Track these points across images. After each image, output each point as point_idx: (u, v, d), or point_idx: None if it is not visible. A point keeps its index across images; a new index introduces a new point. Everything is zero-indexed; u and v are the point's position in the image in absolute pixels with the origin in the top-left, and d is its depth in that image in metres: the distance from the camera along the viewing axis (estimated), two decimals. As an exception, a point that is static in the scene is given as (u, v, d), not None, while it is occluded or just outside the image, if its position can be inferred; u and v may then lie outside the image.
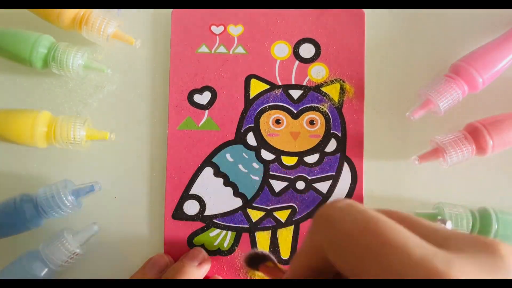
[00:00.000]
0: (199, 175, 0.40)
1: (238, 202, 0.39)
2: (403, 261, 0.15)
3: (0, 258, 0.38)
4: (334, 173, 0.39)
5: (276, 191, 0.39)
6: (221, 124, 0.40)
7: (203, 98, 0.40)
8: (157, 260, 0.37)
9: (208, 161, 0.40)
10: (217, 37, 0.41)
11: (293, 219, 0.39)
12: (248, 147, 0.40)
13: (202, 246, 0.39)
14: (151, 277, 0.35)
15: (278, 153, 0.40)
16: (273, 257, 0.30)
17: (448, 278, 0.15)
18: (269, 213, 0.39)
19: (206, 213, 0.39)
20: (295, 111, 0.40)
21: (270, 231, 0.39)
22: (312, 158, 0.40)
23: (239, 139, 0.40)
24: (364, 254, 0.16)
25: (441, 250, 0.16)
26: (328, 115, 0.40)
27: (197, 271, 0.36)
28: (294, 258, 0.21)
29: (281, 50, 0.40)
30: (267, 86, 0.40)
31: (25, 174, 0.40)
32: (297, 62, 0.40)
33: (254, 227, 0.39)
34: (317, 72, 0.40)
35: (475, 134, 0.36)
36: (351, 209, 0.18)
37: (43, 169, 0.40)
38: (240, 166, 0.40)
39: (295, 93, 0.40)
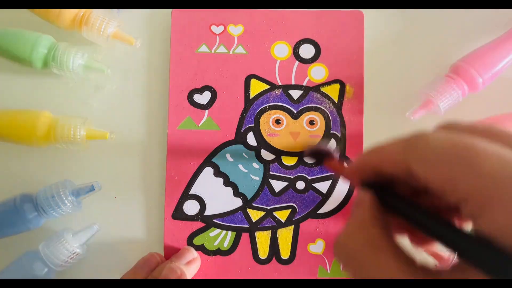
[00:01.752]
0: (199, 175, 0.40)
1: (238, 202, 0.39)
2: (501, 167, 0.15)
3: (0, 258, 0.38)
4: (333, 173, 0.39)
5: (276, 191, 0.39)
6: (221, 124, 0.40)
7: (203, 98, 0.40)
8: (148, 259, 0.37)
9: (208, 161, 0.40)
10: (217, 37, 0.41)
11: (293, 219, 0.39)
12: (248, 147, 0.40)
13: (202, 246, 0.39)
14: (142, 276, 0.36)
15: (278, 153, 0.40)
16: (334, 152, 0.31)
17: None
18: (269, 213, 0.39)
19: (206, 213, 0.39)
20: (295, 111, 0.40)
21: (270, 231, 0.39)
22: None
23: (239, 139, 0.40)
24: (458, 165, 0.16)
25: None
26: (328, 115, 0.40)
27: (185, 270, 0.36)
28: (369, 154, 0.21)
29: (281, 50, 0.40)
30: (267, 86, 0.40)
31: (25, 174, 0.40)
32: (297, 62, 0.40)
33: (254, 227, 0.39)
34: (317, 73, 0.40)
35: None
36: (439, 131, 0.18)
37: (43, 169, 0.40)
38: (240, 166, 0.40)
39: (295, 93, 0.40)
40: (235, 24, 0.41)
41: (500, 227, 0.15)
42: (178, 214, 0.39)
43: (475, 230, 0.17)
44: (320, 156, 0.31)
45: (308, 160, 0.36)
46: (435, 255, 0.36)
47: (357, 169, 0.22)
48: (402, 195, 0.20)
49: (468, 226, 0.18)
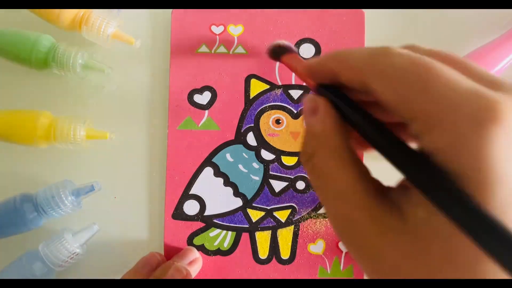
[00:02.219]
0: (199, 175, 0.40)
1: (238, 202, 0.39)
2: (453, 90, 0.16)
3: (0, 258, 0.38)
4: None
5: (276, 191, 0.39)
6: (221, 124, 0.40)
7: (203, 98, 0.40)
8: (148, 259, 0.37)
9: (208, 161, 0.40)
10: (217, 37, 0.41)
11: (293, 219, 0.39)
12: (248, 147, 0.40)
13: (202, 246, 0.39)
14: (143, 276, 0.35)
15: (278, 153, 0.40)
16: (295, 49, 0.31)
17: (497, 110, 0.15)
18: (269, 213, 0.39)
19: (206, 213, 0.39)
20: (295, 111, 0.40)
21: (270, 231, 0.39)
22: (312, 158, 0.40)
23: (239, 139, 0.40)
24: (414, 84, 0.16)
25: (493, 90, 0.16)
26: (328, 115, 0.40)
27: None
28: (330, 57, 0.20)
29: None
30: (267, 86, 0.40)
31: (25, 174, 0.40)
32: (297, 62, 0.40)
33: (254, 227, 0.39)
34: (317, 72, 0.40)
35: None
36: (404, 50, 0.18)
37: (43, 169, 0.40)
38: (240, 166, 0.40)
39: (295, 93, 0.40)
40: (235, 24, 0.41)
41: (441, 146, 0.16)
42: (178, 214, 0.39)
43: (419, 149, 0.17)
44: (279, 51, 0.31)
45: (269, 56, 0.33)
46: None
47: (315, 70, 0.21)
48: (357, 104, 0.20)
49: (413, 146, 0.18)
